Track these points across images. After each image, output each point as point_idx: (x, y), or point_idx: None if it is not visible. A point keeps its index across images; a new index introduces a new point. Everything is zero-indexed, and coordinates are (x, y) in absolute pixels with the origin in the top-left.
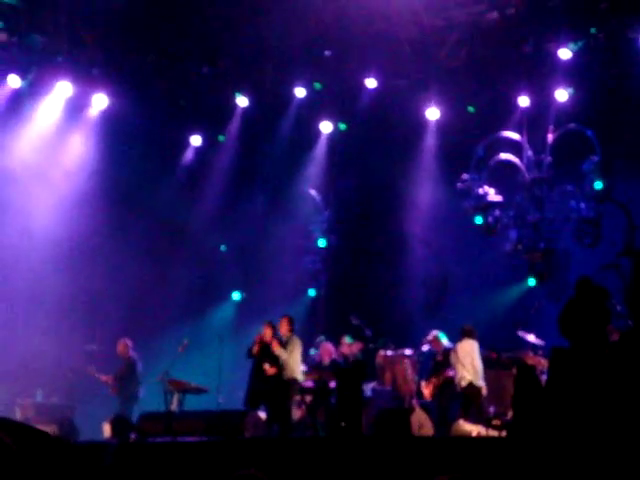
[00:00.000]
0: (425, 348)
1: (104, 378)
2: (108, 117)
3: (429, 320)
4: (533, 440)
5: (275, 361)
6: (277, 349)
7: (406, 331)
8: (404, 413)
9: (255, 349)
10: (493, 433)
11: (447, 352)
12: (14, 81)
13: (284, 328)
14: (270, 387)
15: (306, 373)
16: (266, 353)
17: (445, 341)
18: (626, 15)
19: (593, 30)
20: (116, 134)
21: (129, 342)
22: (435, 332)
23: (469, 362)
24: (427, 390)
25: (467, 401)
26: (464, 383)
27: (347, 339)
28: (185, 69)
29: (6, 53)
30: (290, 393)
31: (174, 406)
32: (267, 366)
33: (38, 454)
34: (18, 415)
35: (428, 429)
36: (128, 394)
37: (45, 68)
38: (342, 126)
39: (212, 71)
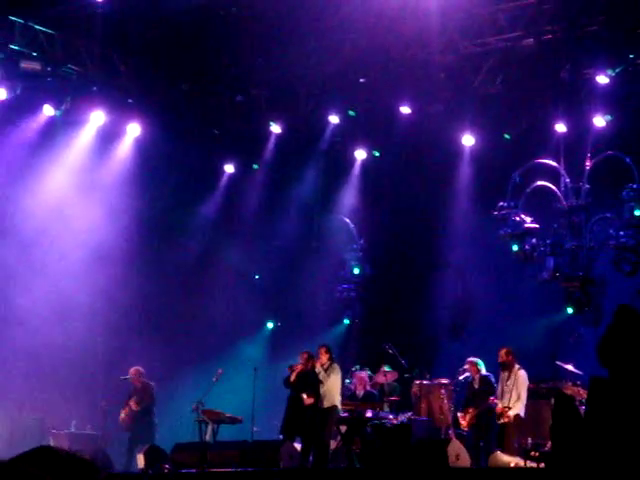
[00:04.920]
0: (461, 377)
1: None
2: (142, 146)
3: (453, 345)
4: (572, 472)
5: (313, 391)
6: (322, 375)
7: (433, 356)
8: (441, 444)
9: (292, 378)
10: (531, 464)
11: (485, 380)
12: (48, 110)
13: (324, 357)
14: (307, 417)
15: (341, 403)
16: (304, 383)
17: (483, 369)
18: None
19: (631, 55)
20: (150, 163)
21: (142, 369)
22: (474, 358)
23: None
24: (464, 421)
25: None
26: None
27: (386, 367)
28: (219, 98)
29: (41, 83)
30: (329, 421)
31: (208, 436)
32: (305, 396)
33: None
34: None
35: (465, 460)
36: (149, 424)
37: (79, 98)
38: (376, 153)
39: (246, 99)
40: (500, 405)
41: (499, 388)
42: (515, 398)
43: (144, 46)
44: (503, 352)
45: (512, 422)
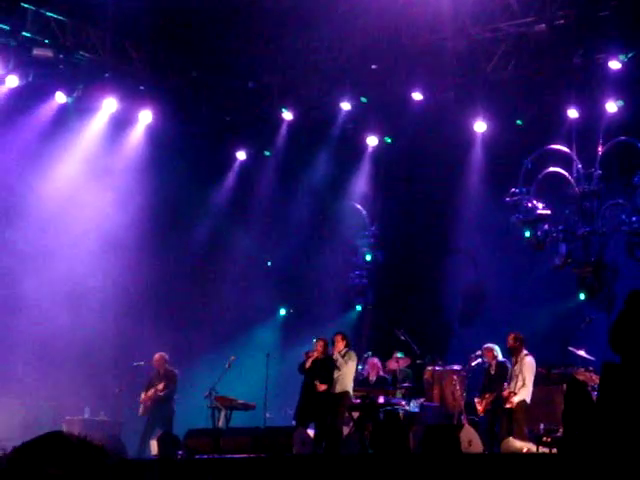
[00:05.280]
0: (474, 363)
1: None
2: (154, 133)
3: (466, 331)
4: (584, 457)
5: (326, 378)
6: (339, 361)
7: (445, 342)
8: (453, 429)
9: (307, 364)
10: (544, 450)
11: (501, 366)
12: (61, 97)
13: (341, 344)
14: (320, 403)
15: (353, 389)
16: (318, 369)
17: (500, 355)
18: None
19: None
20: (161, 150)
21: (166, 356)
22: (490, 344)
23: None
24: (480, 406)
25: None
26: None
27: (399, 354)
28: (230, 84)
29: (53, 70)
30: (341, 407)
31: (221, 423)
32: (318, 382)
33: (94, 470)
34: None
35: (477, 446)
36: (170, 410)
37: (91, 85)
38: (388, 140)
39: (257, 86)
40: (507, 390)
41: (508, 373)
42: (520, 384)
43: (156, 33)
44: (511, 337)
45: (518, 408)
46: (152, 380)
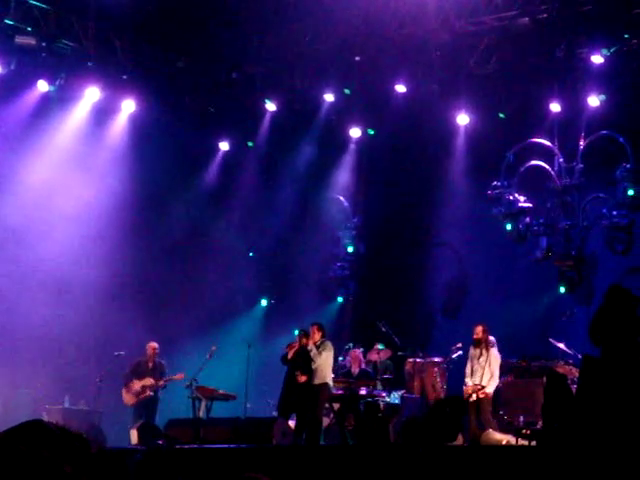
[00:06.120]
0: (455, 355)
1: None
2: (137, 122)
3: (448, 323)
4: (563, 449)
5: (307, 369)
6: (313, 352)
7: (427, 334)
8: None
9: (290, 356)
10: (523, 442)
11: None
12: (43, 86)
13: (316, 335)
14: (300, 395)
15: (335, 381)
16: (299, 361)
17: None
18: None
19: (626, 35)
20: (145, 140)
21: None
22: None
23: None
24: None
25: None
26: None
27: (379, 346)
28: (214, 75)
29: (35, 58)
30: (320, 398)
31: (202, 413)
32: (298, 373)
33: (75, 459)
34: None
35: (458, 438)
36: (157, 400)
37: (74, 73)
38: (371, 132)
39: (241, 77)
40: (471, 383)
41: (469, 365)
42: (489, 376)
43: (139, 22)
44: (480, 329)
45: (486, 399)
46: (142, 369)
